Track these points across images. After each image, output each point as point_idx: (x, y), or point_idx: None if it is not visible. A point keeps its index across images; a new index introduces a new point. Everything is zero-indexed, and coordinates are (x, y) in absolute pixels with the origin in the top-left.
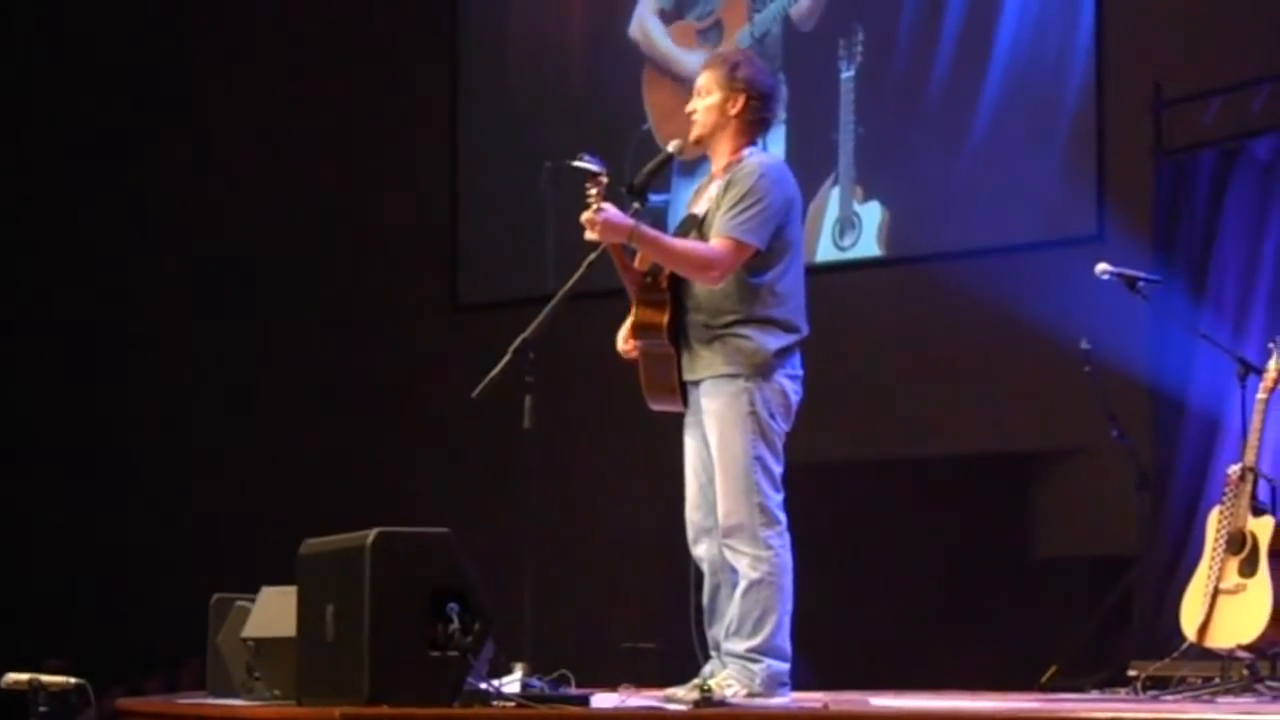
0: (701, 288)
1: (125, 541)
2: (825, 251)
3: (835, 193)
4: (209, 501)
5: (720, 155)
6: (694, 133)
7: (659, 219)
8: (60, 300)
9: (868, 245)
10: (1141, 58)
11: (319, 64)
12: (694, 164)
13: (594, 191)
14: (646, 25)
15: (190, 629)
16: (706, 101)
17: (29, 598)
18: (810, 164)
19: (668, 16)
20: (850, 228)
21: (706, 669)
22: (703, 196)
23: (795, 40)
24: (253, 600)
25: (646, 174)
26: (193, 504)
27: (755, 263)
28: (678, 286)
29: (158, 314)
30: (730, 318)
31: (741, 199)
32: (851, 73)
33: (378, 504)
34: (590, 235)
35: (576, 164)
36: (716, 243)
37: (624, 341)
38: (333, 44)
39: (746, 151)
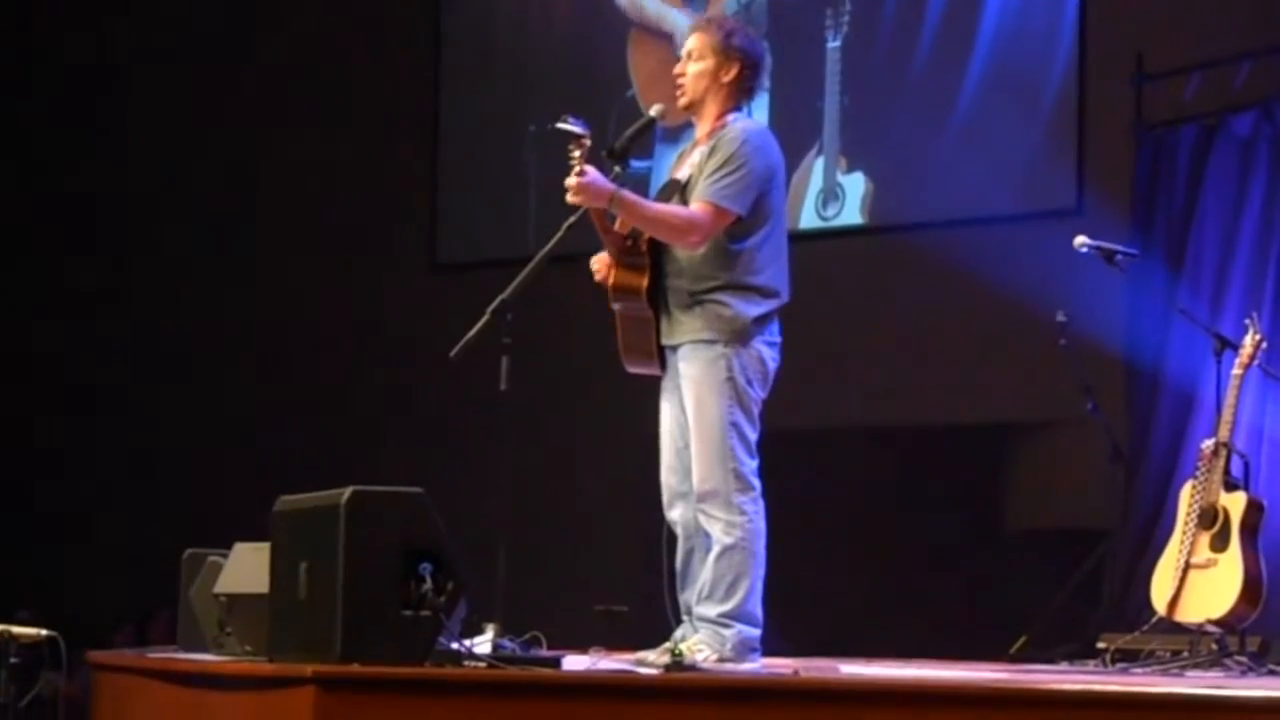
0: (682, 253)
1: (95, 495)
2: (809, 221)
3: (819, 163)
4: (181, 457)
5: (705, 121)
6: (683, 98)
7: (641, 185)
8: (30, 261)
9: (851, 216)
10: (1123, 32)
11: (302, 26)
12: (677, 130)
13: (577, 154)
14: None
15: (160, 584)
16: (698, 67)
17: None
18: (794, 134)
19: None
20: (834, 198)
21: (678, 633)
22: (686, 162)
23: (781, 7)
24: (225, 556)
25: (628, 138)
26: (164, 459)
27: (736, 229)
28: (658, 251)
29: (129, 272)
30: (710, 283)
31: (724, 164)
32: (838, 43)
33: (353, 463)
34: (572, 198)
35: (560, 125)
36: (697, 207)
37: (597, 264)
38: (320, 8)
39: (731, 117)
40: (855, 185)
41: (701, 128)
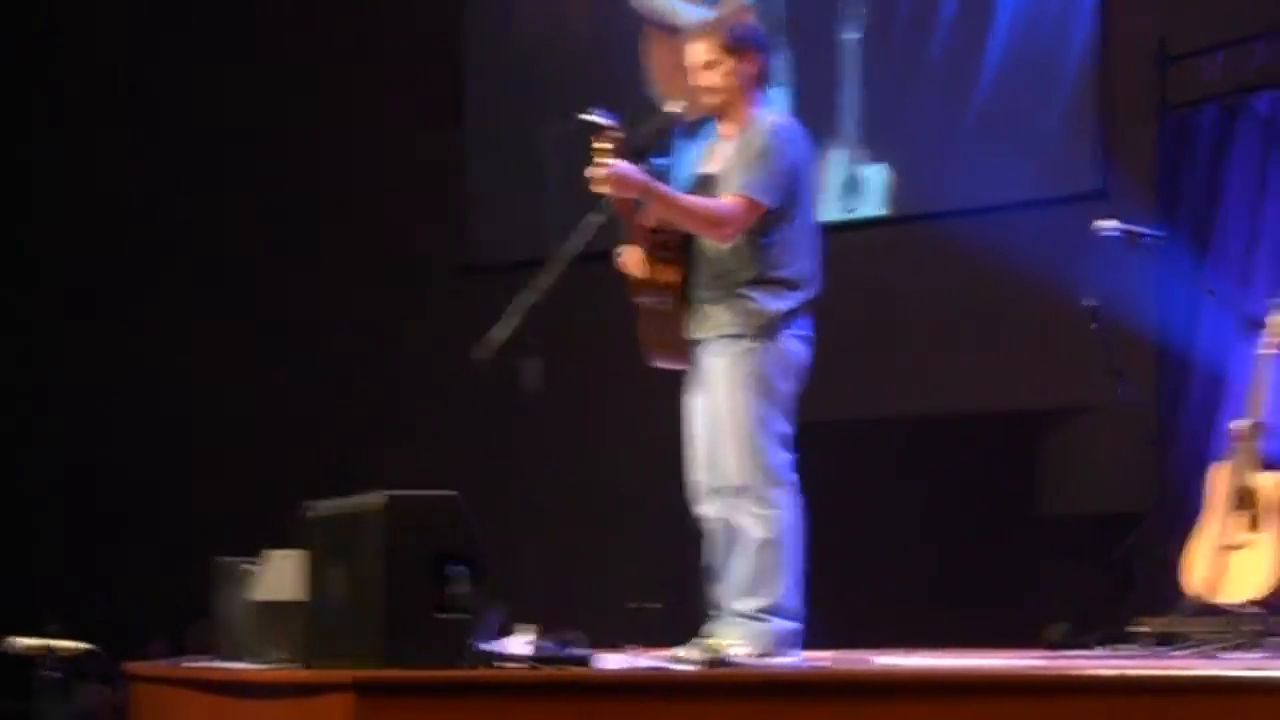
0: (710, 246)
1: (123, 503)
2: (831, 213)
3: (840, 155)
4: (206, 464)
5: (734, 116)
6: (712, 102)
7: (662, 182)
8: (55, 268)
9: (873, 207)
10: (1145, 13)
11: (326, 29)
12: (696, 126)
13: (606, 146)
14: None
15: (185, 595)
16: (722, 69)
17: (27, 562)
18: (814, 126)
19: None
20: (855, 190)
21: (712, 629)
22: (716, 156)
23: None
24: (253, 563)
25: (648, 135)
26: (192, 466)
27: (764, 222)
28: (686, 245)
29: (158, 268)
30: (738, 277)
31: (755, 157)
32: (855, 34)
33: (381, 465)
34: (603, 189)
35: (585, 117)
36: (729, 200)
37: (630, 263)
38: (340, 10)
39: (759, 112)
40: (877, 176)
41: (731, 123)
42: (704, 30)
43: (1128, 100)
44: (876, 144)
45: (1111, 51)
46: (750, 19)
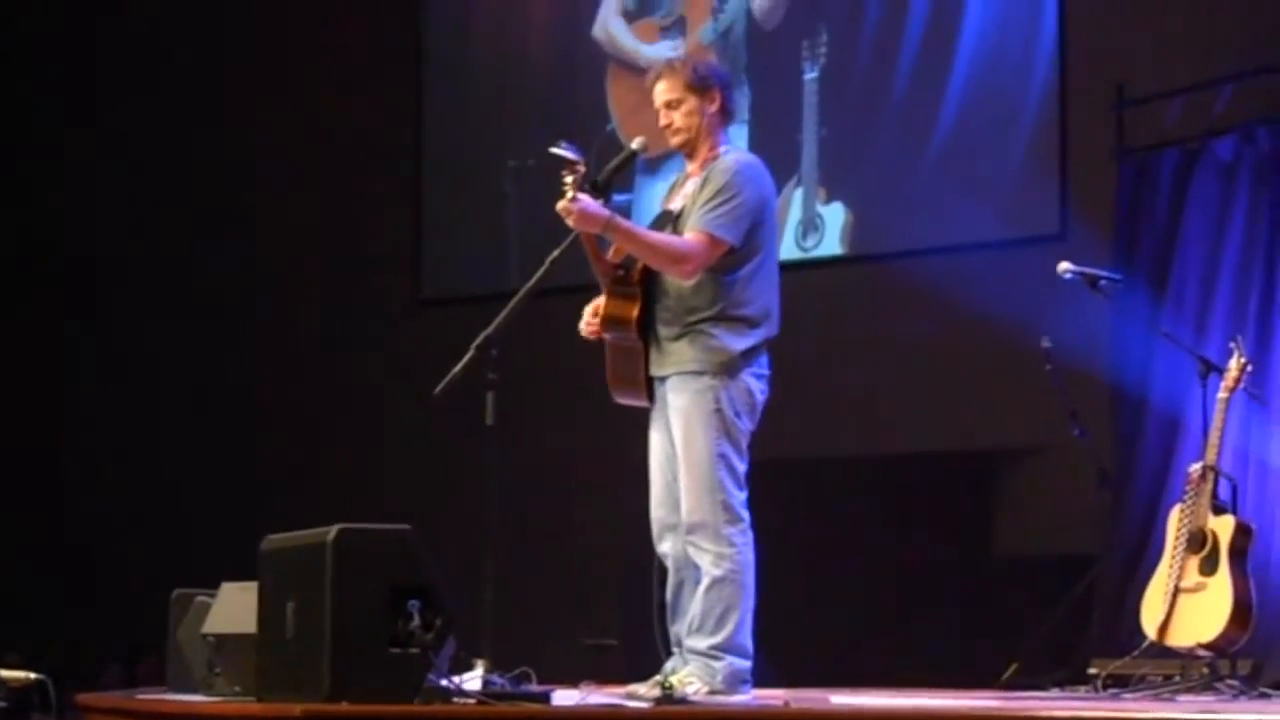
0: (673, 283)
1: (85, 538)
2: (789, 252)
3: (798, 194)
4: (169, 497)
5: (698, 154)
6: (678, 141)
7: (623, 217)
8: (26, 298)
9: (831, 246)
10: (1104, 57)
11: (286, 62)
12: (657, 162)
13: (569, 179)
14: (609, 25)
15: (148, 625)
16: (684, 108)
17: None
18: (774, 165)
19: (630, 16)
20: (813, 229)
21: (668, 666)
22: (678, 193)
23: (759, 39)
24: (213, 596)
25: (610, 171)
26: (152, 499)
27: (726, 260)
28: (649, 281)
29: (121, 309)
30: (700, 314)
31: (717, 194)
32: (815, 74)
33: (340, 500)
34: (568, 223)
35: (554, 150)
36: (691, 236)
37: (587, 320)
38: (299, 44)
39: (723, 149)
40: (835, 215)
41: (694, 160)
42: (668, 69)
43: (1086, 143)
44: (835, 183)
45: (1070, 94)
46: (711, 58)
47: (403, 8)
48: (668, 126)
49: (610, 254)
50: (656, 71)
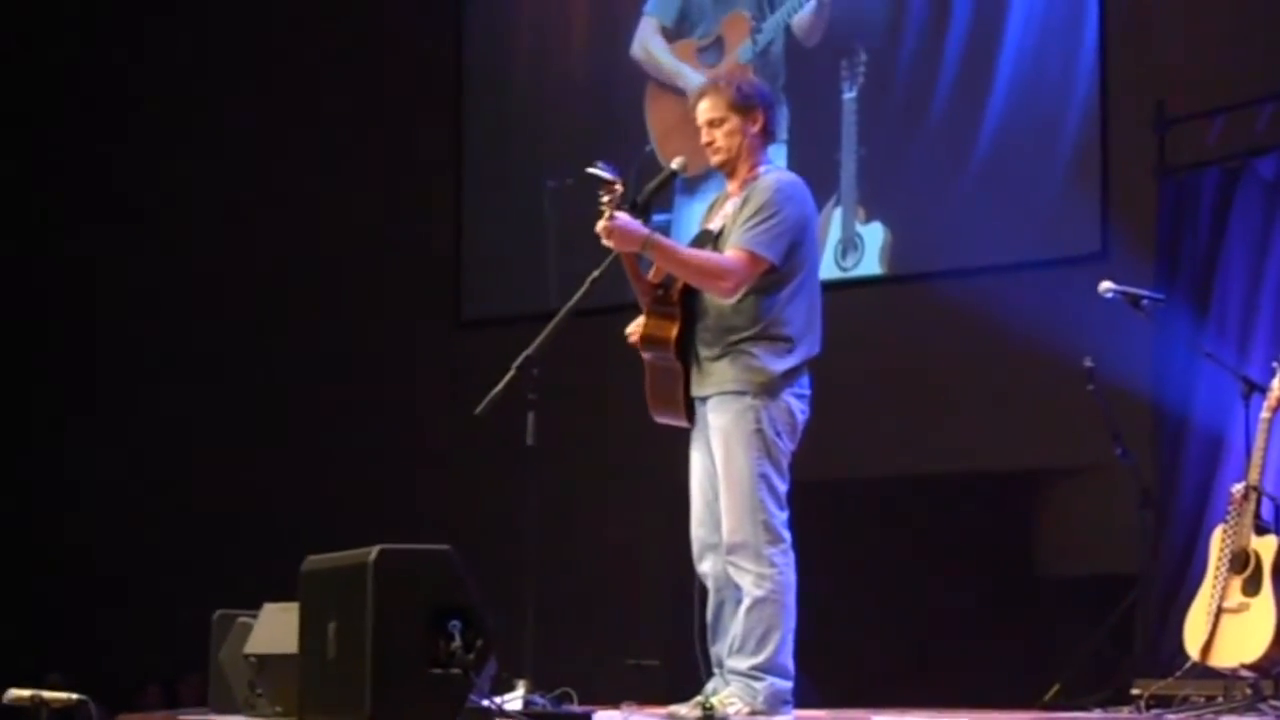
0: (713, 303)
1: (127, 559)
2: (828, 272)
3: (838, 214)
4: (209, 517)
5: (739, 173)
6: (718, 160)
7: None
8: (58, 317)
9: (870, 266)
10: (1145, 76)
11: (325, 82)
12: (696, 182)
13: (607, 199)
14: (649, 45)
15: (190, 645)
16: (726, 127)
17: (29, 614)
18: (813, 184)
19: (669, 35)
20: (853, 249)
21: (709, 686)
22: (718, 213)
23: (797, 58)
24: (255, 617)
25: (650, 191)
26: (195, 522)
27: (768, 279)
28: (689, 300)
29: (157, 332)
30: (740, 334)
31: (757, 213)
32: (854, 93)
33: (380, 521)
34: (606, 242)
35: (591, 170)
36: (732, 254)
37: (634, 328)
38: (340, 63)
39: (763, 169)
40: (874, 235)
41: (735, 180)
42: (711, 88)
43: (1128, 162)
44: (874, 203)
45: (1111, 113)
46: (754, 77)
47: (444, 28)
48: (709, 145)
49: (650, 274)
50: (700, 90)
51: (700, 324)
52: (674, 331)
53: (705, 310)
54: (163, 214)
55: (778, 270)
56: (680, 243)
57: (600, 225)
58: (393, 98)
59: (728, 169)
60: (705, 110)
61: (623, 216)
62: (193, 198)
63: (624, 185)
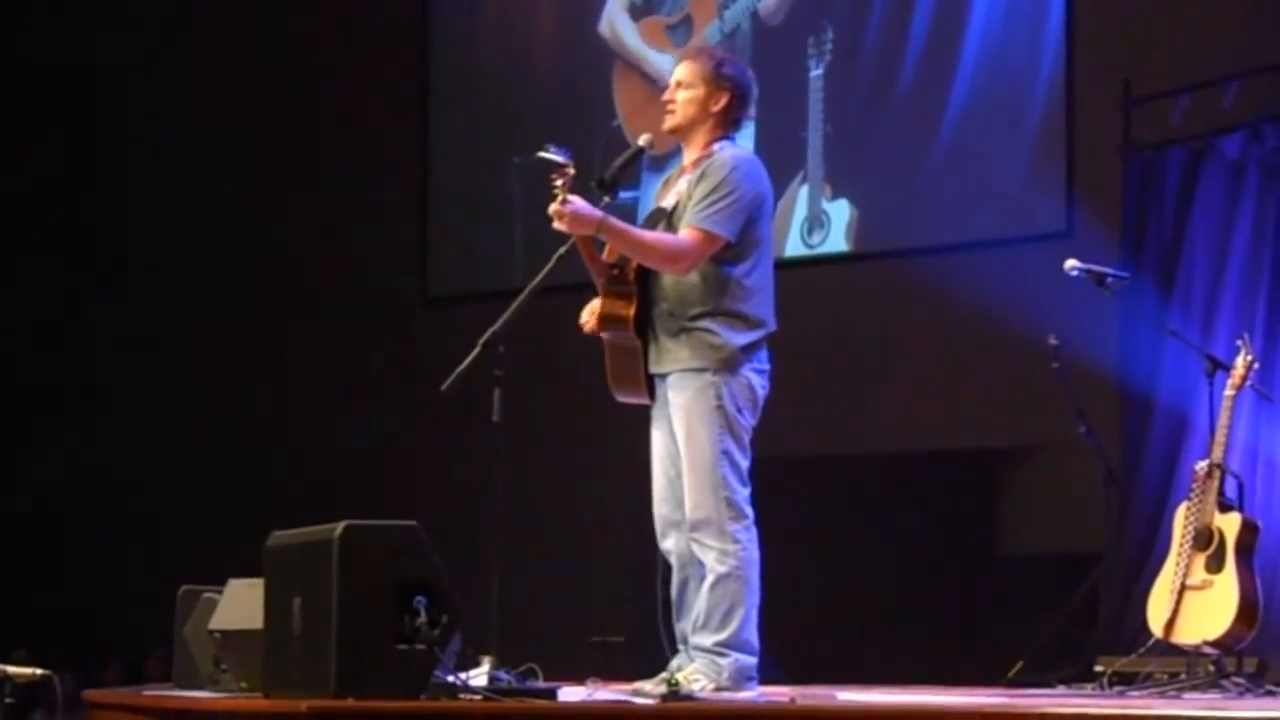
0: (669, 280)
1: (90, 534)
2: (794, 249)
3: (804, 190)
4: (174, 493)
5: (693, 149)
6: (670, 122)
7: (629, 214)
8: (30, 294)
9: (836, 243)
10: (1111, 55)
11: (290, 60)
12: (663, 159)
13: (560, 183)
14: (615, 21)
15: (155, 621)
16: (688, 94)
17: None
18: (779, 162)
19: (637, 13)
20: (819, 226)
21: (674, 663)
22: (672, 190)
23: (764, 37)
24: (220, 592)
25: (616, 168)
26: (158, 495)
27: (724, 256)
28: (645, 279)
29: (124, 306)
30: (698, 311)
31: (712, 191)
32: (820, 71)
33: (346, 497)
34: (558, 226)
35: (542, 154)
36: (685, 234)
37: (587, 315)
38: (304, 42)
39: (718, 145)
40: (840, 212)
41: (689, 155)
42: (695, 53)
43: (1093, 141)
44: (840, 180)
45: (1077, 92)
46: (742, 62)
47: (409, 5)
48: (668, 104)
49: (605, 254)
50: (685, 52)
51: (657, 302)
52: (631, 310)
53: (662, 288)
54: (130, 192)
55: (734, 247)
56: (640, 220)
57: (553, 208)
58: (358, 73)
59: (680, 136)
60: (679, 71)
61: (575, 200)
62: (160, 178)
63: (575, 168)
